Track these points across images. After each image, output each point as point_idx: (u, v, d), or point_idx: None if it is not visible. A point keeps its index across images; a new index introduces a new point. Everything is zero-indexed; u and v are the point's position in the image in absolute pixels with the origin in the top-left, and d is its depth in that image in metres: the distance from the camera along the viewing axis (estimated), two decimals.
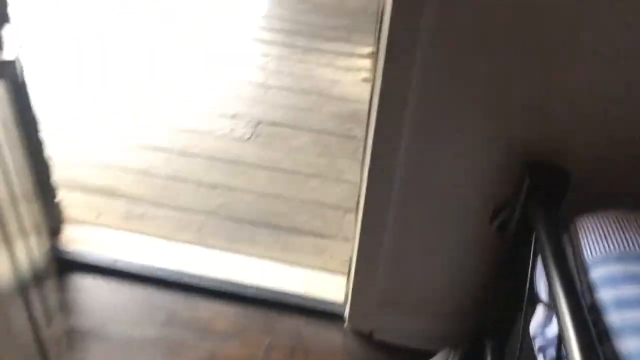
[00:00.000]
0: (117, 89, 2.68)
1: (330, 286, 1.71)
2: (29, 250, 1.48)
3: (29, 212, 1.44)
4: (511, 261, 1.25)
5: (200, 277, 1.68)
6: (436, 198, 1.33)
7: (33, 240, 1.37)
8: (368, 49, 3.03)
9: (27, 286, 1.29)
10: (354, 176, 2.18)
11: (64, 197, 1.97)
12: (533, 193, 1.14)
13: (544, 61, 1.10)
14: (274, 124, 2.54)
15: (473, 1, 1.06)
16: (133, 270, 1.69)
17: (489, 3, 1.06)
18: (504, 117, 1.19)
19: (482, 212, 1.31)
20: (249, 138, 2.43)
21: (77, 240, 1.78)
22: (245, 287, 1.67)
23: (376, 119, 1.22)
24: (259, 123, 2.53)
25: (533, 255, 1.11)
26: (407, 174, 1.29)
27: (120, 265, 1.70)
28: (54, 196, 1.79)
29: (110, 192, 2.06)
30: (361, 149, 1.46)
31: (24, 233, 1.36)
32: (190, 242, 1.85)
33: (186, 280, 1.68)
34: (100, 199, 2.02)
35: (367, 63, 2.98)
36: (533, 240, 1.10)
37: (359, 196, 1.46)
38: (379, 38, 1.26)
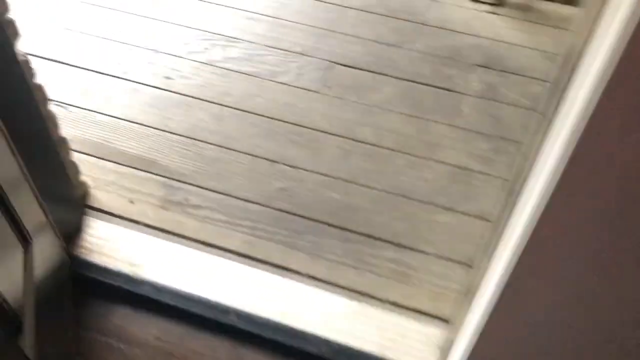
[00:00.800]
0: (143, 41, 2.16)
1: (416, 341, 1.29)
2: (29, 261, 1.13)
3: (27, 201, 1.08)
4: None
5: (249, 317, 1.30)
6: None
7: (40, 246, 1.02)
8: None
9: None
10: (453, 154, 1.66)
11: (87, 170, 1.58)
12: None
13: None
14: (349, 66, 1.98)
15: None
16: (164, 299, 1.33)
17: None
18: None
19: None
20: (317, 90, 1.89)
21: (100, 245, 1.41)
22: (305, 339, 1.27)
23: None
24: (330, 66, 1.97)
25: None
26: None
27: (148, 291, 1.33)
28: (70, 174, 1.40)
29: (146, 165, 1.65)
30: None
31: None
32: (236, 253, 1.45)
33: (231, 320, 1.30)
34: (133, 176, 1.62)
35: None
36: None
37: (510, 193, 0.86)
38: None
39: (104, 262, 1.37)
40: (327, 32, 2.10)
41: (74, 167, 1.46)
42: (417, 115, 1.83)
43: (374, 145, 1.74)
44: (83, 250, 1.39)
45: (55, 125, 1.33)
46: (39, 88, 1.22)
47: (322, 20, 2.14)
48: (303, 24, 2.12)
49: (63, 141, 1.38)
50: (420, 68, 1.99)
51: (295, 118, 1.80)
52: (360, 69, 1.97)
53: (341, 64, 1.98)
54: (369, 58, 2.01)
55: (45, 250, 1.23)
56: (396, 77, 1.95)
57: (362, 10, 2.20)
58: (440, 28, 2.15)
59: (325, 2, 2.22)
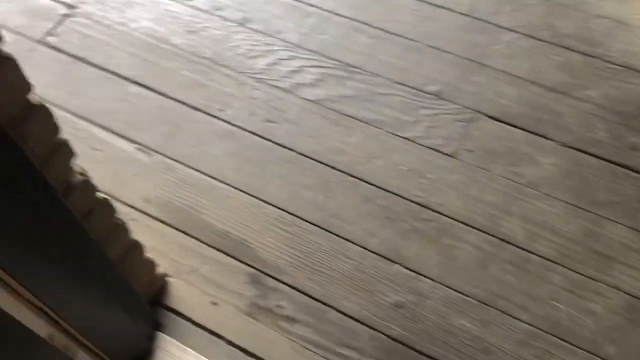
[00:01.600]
0: None
1: None
2: None
3: None
4: None
5: None
6: None
7: None
8: None
9: None
10: (635, 277, 1.20)
11: (166, 249, 1.32)
12: None
13: None
14: (498, 119, 1.53)
15: None
16: None
17: None
18: None
19: None
20: (454, 153, 1.48)
21: None
22: None
23: None
24: (474, 117, 1.53)
25: None
26: None
27: None
28: (143, 281, 1.14)
29: (235, 248, 1.36)
30: None
31: None
32: None
33: None
34: (219, 263, 1.33)
35: None
36: None
37: None
38: None
39: None
40: (472, 64, 1.63)
41: (150, 268, 1.20)
42: (585, 207, 1.38)
43: (523, 249, 1.32)
44: None
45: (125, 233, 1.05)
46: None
47: (468, 45, 1.67)
48: (443, 50, 1.66)
49: (134, 249, 1.11)
50: (594, 130, 1.50)
51: (421, 194, 1.41)
52: (513, 126, 1.52)
53: (488, 116, 1.53)
54: (524, 108, 1.55)
55: None
56: (560, 143, 1.48)
57: (520, 32, 1.69)
58: (627, 68, 1.61)
59: (473, 17, 1.73)
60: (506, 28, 1.70)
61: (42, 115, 0.75)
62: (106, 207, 0.97)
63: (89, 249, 0.90)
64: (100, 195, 0.95)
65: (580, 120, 1.51)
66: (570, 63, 1.62)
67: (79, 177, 0.88)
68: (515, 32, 1.69)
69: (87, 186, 0.90)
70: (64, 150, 0.82)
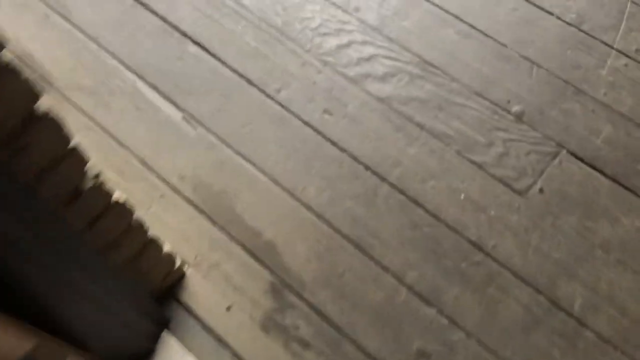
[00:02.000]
0: None
1: None
2: None
3: None
4: None
5: None
6: None
7: None
8: None
9: None
10: None
11: (194, 234, 1.25)
12: None
13: None
14: (583, 160, 1.33)
15: None
16: None
17: None
18: None
19: None
20: (523, 191, 1.30)
21: None
22: None
23: None
24: (557, 151, 1.34)
25: None
26: None
27: None
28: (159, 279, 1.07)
29: (263, 250, 1.26)
30: None
31: None
32: None
33: None
34: (242, 264, 1.25)
35: None
36: None
37: None
38: None
39: None
40: (568, 87, 1.42)
41: (167, 262, 1.13)
42: None
43: (578, 320, 1.17)
44: None
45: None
46: None
47: (567, 63, 1.45)
48: (536, 64, 1.45)
49: (150, 246, 1.03)
50: None
51: (477, 234, 1.26)
52: (599, 171, 1.32)
53: (572, 154, 1.34)
54: (618, 153, 1.34)
55: None
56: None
57: (634, 59, 1.45)
58: None
59: (581, 30, 1.50)
60: (618, 50, 1.46)
61: (48, 126, 0.65)
62: (120, 210, 0.88)
63: (88, 257, 0.82)
64: (116, 197, 0.86)
65: None
66: None
67: (91, 183, 0.78)
68: (629, 57, 1.45)
69: (99, 191, 0.80)
70: (75, 157, 0.72)
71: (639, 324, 1.15)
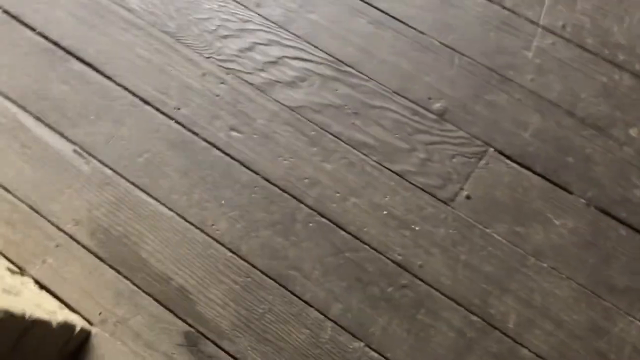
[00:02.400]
0: None
1: None
2: None
3: None
4: None
5: None
6: None
7: None
8: None
9: None
10: None
11: (94, 288, 1.13)
12: None
13: None
14: (512, 159, 1.24)
15: None
16: None
17: None
18: None
19: None
20: (449, 200, 1.21)
21: None
22: None
23: None
24: (483, 150, 1.25)
25: None
26: None
27: None
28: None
29: (173, 297, 1.16)
30: None
31: None
32: None
33: None
34: (151, 316, 1.14)
35: None
36: None
37: None
38: None
39: None
40: (492, 75, 1.31)
41: (64, 332, 1.01)
42: (598, 292, 1.13)
43: (513, 339, 1.10)
44: None
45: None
46: None
47: (491, 48, 1.33)
48: (458, 52, 1.33)
49: (34, 328, 0.91)
50: (628, 187, 1.21)
51: (402, 253, 1.17)
52: (528, 169, 1.23)
53: (499, 152, 1.24)
54: (548, 147, 1.25)
55: None
56: (583, 199, 1.20)
57: (562, 36, 1.34)
58: None
59: (504, 7, 1.37)
60: (544, 28, 1.34)
61: None
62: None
63: None
64: None
65: (613, 171, 1.22)
66: (618, 88, 1.29)
67: None
68: (555, 34, 1.34)
69: None
70: None
71: (574, 337, 1.10)
